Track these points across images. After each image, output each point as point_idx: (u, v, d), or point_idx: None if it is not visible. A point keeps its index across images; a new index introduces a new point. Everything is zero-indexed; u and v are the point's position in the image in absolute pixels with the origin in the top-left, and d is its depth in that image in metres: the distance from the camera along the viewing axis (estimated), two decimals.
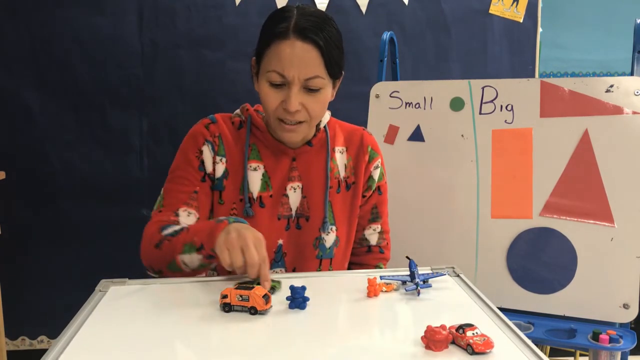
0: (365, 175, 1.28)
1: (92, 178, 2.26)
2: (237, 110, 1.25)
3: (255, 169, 1.20)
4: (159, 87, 2.25)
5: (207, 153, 1.18)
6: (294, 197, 1.21)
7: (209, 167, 1.19)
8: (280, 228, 1.21)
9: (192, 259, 1.05)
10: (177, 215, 1.16)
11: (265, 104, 1.12)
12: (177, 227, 1.11)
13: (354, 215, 1.27)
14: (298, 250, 1.22)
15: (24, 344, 2.34)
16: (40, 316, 2.31)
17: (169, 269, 1.09)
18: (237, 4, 2.23)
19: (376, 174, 1.29)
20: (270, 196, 1.20)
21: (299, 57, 1.06)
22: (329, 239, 1.23)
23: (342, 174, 1.26)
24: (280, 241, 1.21)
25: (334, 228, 1.23)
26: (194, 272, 1.08)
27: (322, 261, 1.23)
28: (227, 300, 0.88)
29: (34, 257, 2.28)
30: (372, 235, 1.33)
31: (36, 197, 2.25)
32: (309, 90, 1.10)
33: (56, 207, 2.26)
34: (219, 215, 1.19)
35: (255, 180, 1.19)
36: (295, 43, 1.06)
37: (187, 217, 1.16)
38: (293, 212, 1.22)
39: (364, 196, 1.29)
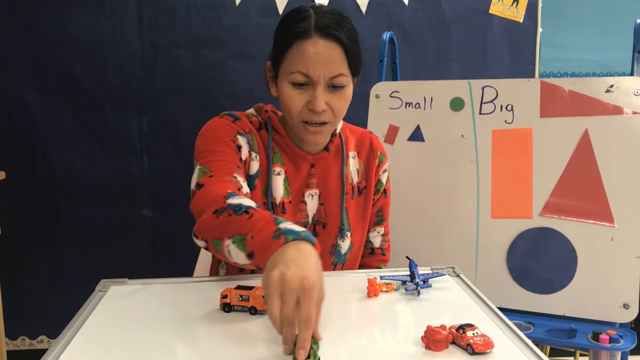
0: (375, 179, 1.28)
1: (92, 178, 2.26)
2: (252, 110, 1.21)
3: (278, 174, 1.17)
4: (159, 87, 2.25)
5: (243, 142, 1.11)
6: (312, 204, 1.20)
7: (244, 155, 1.11)
8: None
9: (238, 255, 0.87)
10: (234, 177, 1.03)
11: (289, 107, 1.09)
12: (243, 202, 0.92)
13: (366, 219, 1.28)
14: None
15: (24, 344, 2.34)
16: (40, 316, 2.31)
17: (214, 246, 0.92)
18: (237, 4, 2.23)
19: (384, 178, 1.31)
20: (290, 202, 1.19)
21: (323, 56, 1.05)
22: (345, 245, 1.23)
23: (355, 179, 1.26)
24: None
25: (349, 234, 1.23)
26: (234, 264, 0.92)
27: (335, 267, 1.23)
28: (227, 300, 0.88)
29: (34, 257, 2.28)
30: (375, 237, 1.34)
31: (36, 197, 2.25)
32: (333, 88, 1.08)
33: (56, 207, 2.26)
34: None
35: (278, 185, 1.17)
36: (319, 41, 1.05)
37: (243, 183, 1.05)
38: (310, 219, 1.21)
39: (373, 199, 1.30)
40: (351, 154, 1.26)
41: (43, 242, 2.28)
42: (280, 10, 2.23)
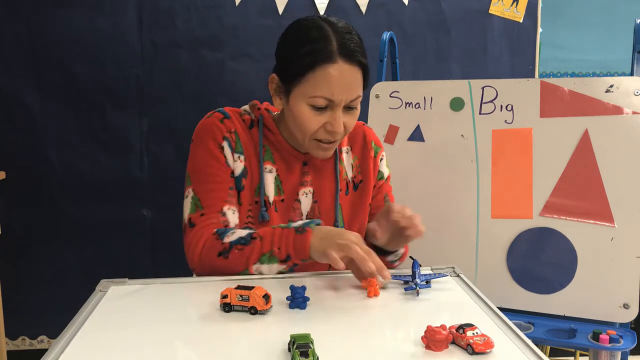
0: (374, 170, 1.27)
1: (92, 178, 2.26)
2: (246, 107, 1.22)
3: (270, 171, 1.18)
4: (159, 87, 2.25)
5: (227, 149, 1.15)
6: (305, 202, 1.21)
7: (231, 164, 1.15)
8: None
9: (271, 268, 1.05)
10: (223, 214, 1.12)
11: (305, 127, 1.09)
12: (243, 234, 1.06)
13: (363, 214, 1.26)
14: None
15: (24, 344, 2.34)
16: (40, 316, 2.31)
17: (238, 275, 1.06)
18: (237, 4, 2.23)
19: (383, 166, 1.30)
20: (282, 200, 1.19)
21: (347, 81, 1.05)
22: None
23: (350, 174, 1.26)
24: None
25: None
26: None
27: (330, 265, 1.22)
28: (227, 300, 0.88)
29: (34, 257, 2.28)
30: None
31: (36, 197, 2.25)
32: (349, 109, 1.09)
33: (56, 207, 2.26)
34: None
35: (269, 183, 1.17)
36: (343, 67, 1.05)
37: (232, 215, 1.13)
38: (304, 217, 1.21)
39: (375, 187, 1.28)
40: (344, 148, 1.26)
41: (43, 242, 2.28)
42: (280, 11, 2.23)
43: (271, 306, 0.88)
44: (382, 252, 1.17)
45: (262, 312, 0.87)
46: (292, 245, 1.02)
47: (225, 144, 1.14)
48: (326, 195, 1.22)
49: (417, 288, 0.96)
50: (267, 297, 0.87)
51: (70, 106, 2.23)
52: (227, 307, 0.88)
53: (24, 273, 2.28)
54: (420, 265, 1.01)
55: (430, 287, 0.99)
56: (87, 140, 2.25)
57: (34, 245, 2.28)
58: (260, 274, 1.05)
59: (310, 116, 1.08)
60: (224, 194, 1.13)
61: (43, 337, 2.35)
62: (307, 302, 0.90)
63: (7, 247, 2.22)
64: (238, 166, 1.15)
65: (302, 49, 1.06)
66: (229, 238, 1.06)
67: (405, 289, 0.97)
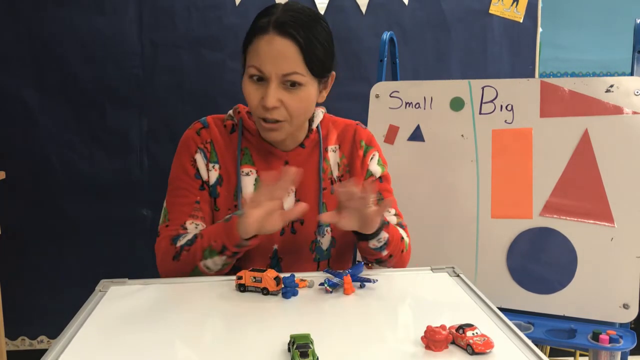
0: (363, 170, 1.25)
1: (92, 178, 2.26)
2: (230, 112, 1.24)
3: (247, 174, 1.18)
4: (159, 87, 2.25)
5: (200, 161, 1.18)
6: (288, 201, 1.20)
7: (204, 175, 1.19)
8: (274, 233, 1.18)
9: (215, 262, 1.08)
10: (184, 228, 1.16)
11: (248, 101, 1.13)
12: (189, 236, 1.12)
13: None
14: (294, 254, 1.21)
15: (24, 344, 2.34)
16: (40, 316, 2.31)
17: (192, 275, 1.11)
18: (237, 4, 2.23)
19: (374, 165, 1.26)
20: None
21: (276, 52, 1.06)
22: (325, 241, 1.21)
23: (335, 173, 1.24)
24: (275, 246, 1.19)
25: (328, 229, 1.22)
26: (217, 273, 1.11)
27: (319, 263, 1.22)
28: (242, 282, 0.96)
29: (34, 257, 2.28)
30: (389, 217, 1.26)
31: (36, 197, 2.25)
32: (291, 86, 1.08)
33: (56, 207, 2.26)
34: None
35: (248, 185, 1.18)
36: (274, 38, 1.06)
37: (195, 229, 1.16)
38: None
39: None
40: (331, 147, 1.25)
41: (43, 242, 2.28)
42: None
43: (282, 287, 0.95)
44: (362, 237, 1.14)
45: (274, 293, 0.94)
46: (224, 234, 1.06)
47: (198, 156, 1.19)
48: (309, 194, 1.21)
49: (326, 285, 0.97)
50: (278, 279, 0.94)
51: (70, 106, 2.23)
52: (242, 288, 0.97)
53: (24, 273, 2.28)
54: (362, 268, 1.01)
55: (339, 286, 0.98)
56: (87, 140, 2.25)
57: (34, 245, 2.27)
58: (209, 269, 1.09)
59: (250, 90, 1.11)
60: (188, 209, 1.17)
61: (43, 337, 2.35)
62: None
63: (7, 247, 2.22)
64: (213, 175, 1.19)
65: (250, 26, 1.12)
66: (180, 242, 1.12)
67: (320, 284, 0.99)
